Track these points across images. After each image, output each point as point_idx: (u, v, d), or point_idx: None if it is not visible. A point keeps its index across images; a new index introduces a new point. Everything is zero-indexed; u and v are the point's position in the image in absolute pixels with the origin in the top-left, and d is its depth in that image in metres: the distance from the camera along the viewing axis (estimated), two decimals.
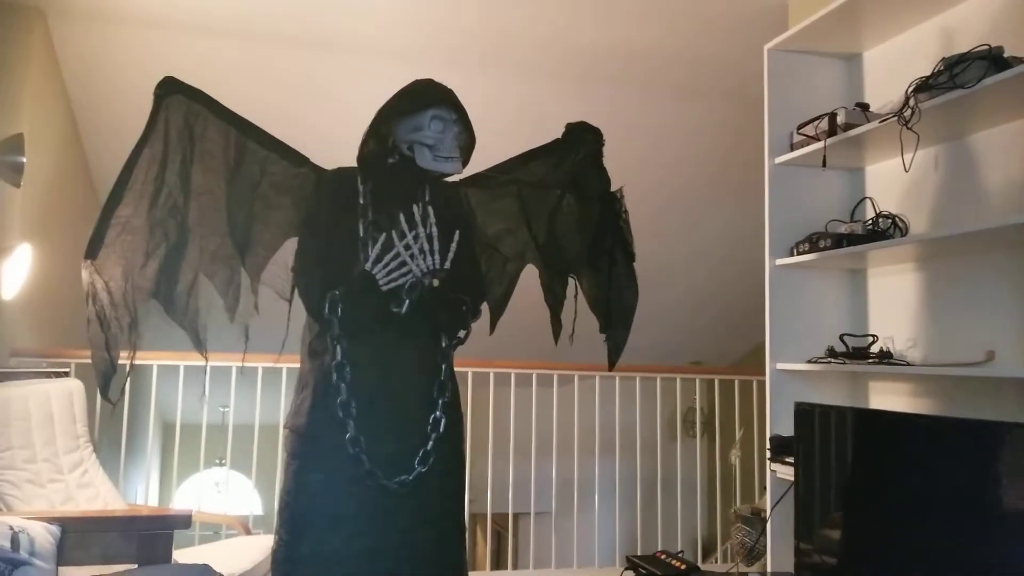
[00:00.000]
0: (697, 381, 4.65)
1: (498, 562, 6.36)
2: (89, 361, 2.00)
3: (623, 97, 4.06)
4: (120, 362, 2.03)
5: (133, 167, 1.96)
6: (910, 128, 2.29)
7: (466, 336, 2.11)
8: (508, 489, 4.13)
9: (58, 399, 2.95)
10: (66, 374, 3.32)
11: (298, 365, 2.12)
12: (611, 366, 2.36)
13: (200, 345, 2.11)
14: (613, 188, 2.27)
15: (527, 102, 3.98)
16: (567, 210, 2.28)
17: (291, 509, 1.98)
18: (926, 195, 2.57)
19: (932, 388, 2.54)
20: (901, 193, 2.65)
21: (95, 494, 2.93)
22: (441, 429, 2.03)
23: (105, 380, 2.00)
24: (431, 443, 2.01)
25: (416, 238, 2.02)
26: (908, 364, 2.51)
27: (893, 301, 2.71)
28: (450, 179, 2.13)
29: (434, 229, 2.04)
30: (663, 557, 2.62)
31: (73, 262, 1.99)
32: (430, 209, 2.07)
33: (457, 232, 2.08)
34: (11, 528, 2.06)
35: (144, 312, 2.03)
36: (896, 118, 2.31)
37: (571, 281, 2.33)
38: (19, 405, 2.80)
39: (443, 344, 2.07)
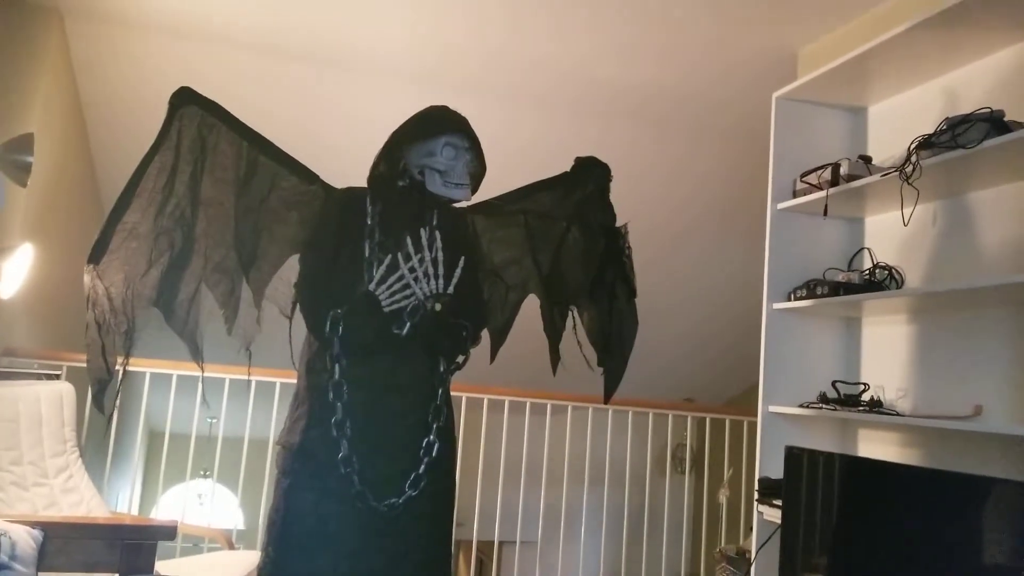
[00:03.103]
0: (689, 418, 4.66)
1: None
2: (81, 365, 1.99)
3: (636, 136, 4.10)
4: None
5: (142, 174, 1.97)
6: (911, 183, 2.33)
7: (464, 362, 2.12)
8: (495, 516, 4.11)
9: (48, 402, 2.93)
10: (57, 377, 3.30)
11: (292, 380, 2.13)
12: (607, 399, 2.38)
13: (198, 355, 2.12)
14: (619, 224, 2.29)
15: (540, 134, 4.01)
16: (572, 242, 2.30)
17: (279, 526, 1.97)
18: (923, 249, 2.60)
19: (920, 439, 2.56)
20: (899, 245, 2.69)
21: (79, 500, 2.90)
22: (434, 454, 2.03)
23: (100, 387, 2.00)
24: (423, 467, 2.01)
25: (421, 261, 2.03)
26: (898, 414, 2.52)
27: (886, 351, 2.73)
28: (458, 205, 2.16)
29: (440, 254, 2.06)
30: None
31: (71, 265, 1.99)
32: (437, 234, 2.08)
33: (462, 258, 2.09)
34: None
35: (142, 320, 2.03)
36: (898, 172, 2.35)
37: (571, 313, 2.34)
38: (8, 406, 2.79)
39: (441, 369, 2.08)
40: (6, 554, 2.03)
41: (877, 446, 2.71)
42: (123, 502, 5.13)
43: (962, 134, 2.19)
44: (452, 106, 2.09)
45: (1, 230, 3.06)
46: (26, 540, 2.12)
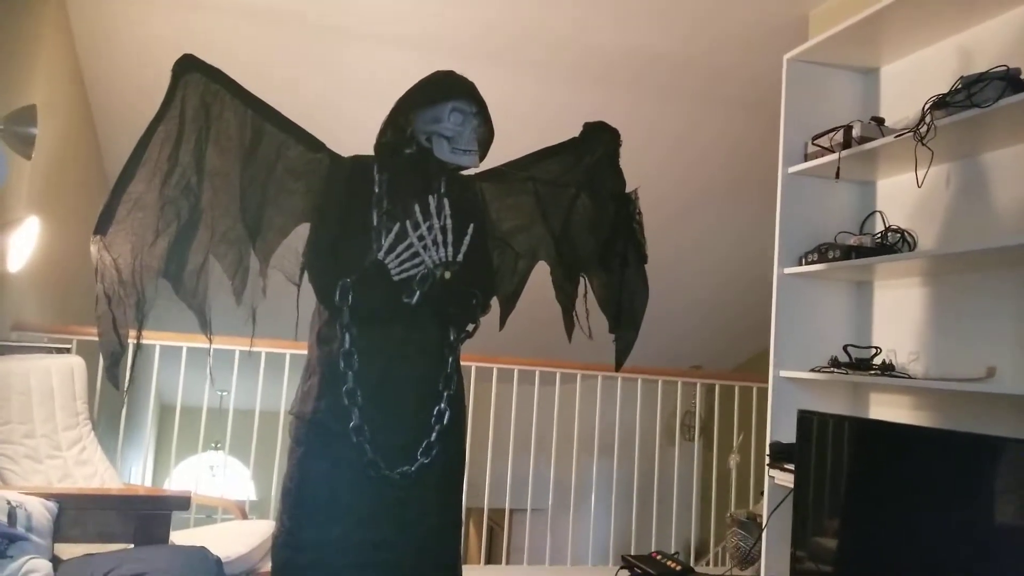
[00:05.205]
0: (699, 385, 4.65)
1: (490, 557, 6.37)
2: (91, 338, 1.98)
3: (641, 101, 4.05)
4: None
5: (147, 144, 1.94)
6: (925, 144, 2.29)
7: (474, 330, 2.11)
8: (506, 484, 4.13)
9: (59, 375, 2.94)
10: (68, 350, 3.30)
11: (302, 352, 2.12)
12: (618, 366, 2.37)
13: (206, 326, 2.11)
14: (628, 190, 2.27)
15: (543, 100, 3.97)
16: (581, 209, 2.28)
17: (293, 496, 1.98)
18: (936, 211, 2.57)
19: (932, 401, 2.55)
20: (911, 208, 2.66)
21: (93, 472, 2.92)
22: (445, 421, 2.03)
23: (113, 360, 1.99)
24: (434, 435, 2.01)
25: (430, 229, 2.02)
26: (909, 377, 2.52)
27: (898, 314, 2.71)
28: (466, 172, 2.13)
29: (448, 221, 2.04)
30: (658, 557, 2.63)
31: (78, 237, 1.97)
32: (445, 201, 2.06)
33: (471, 226, 2.07)
34: (8, 503, 2.04)
35: (152, 291, 2.02)
36: (912, 133, 2.32)
37: (582, 280, 2.33)
38: (20, 380, 2.80)
39: (451, 337, 2.07)
40: (22, 525, 2.04)
41: (889, 409, 2.71)
42: (136, 475, 5.17)
43: (977, 93, 2.16)
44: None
45: (6, 204, 3.05)
46: (41, 512, 2.14)
